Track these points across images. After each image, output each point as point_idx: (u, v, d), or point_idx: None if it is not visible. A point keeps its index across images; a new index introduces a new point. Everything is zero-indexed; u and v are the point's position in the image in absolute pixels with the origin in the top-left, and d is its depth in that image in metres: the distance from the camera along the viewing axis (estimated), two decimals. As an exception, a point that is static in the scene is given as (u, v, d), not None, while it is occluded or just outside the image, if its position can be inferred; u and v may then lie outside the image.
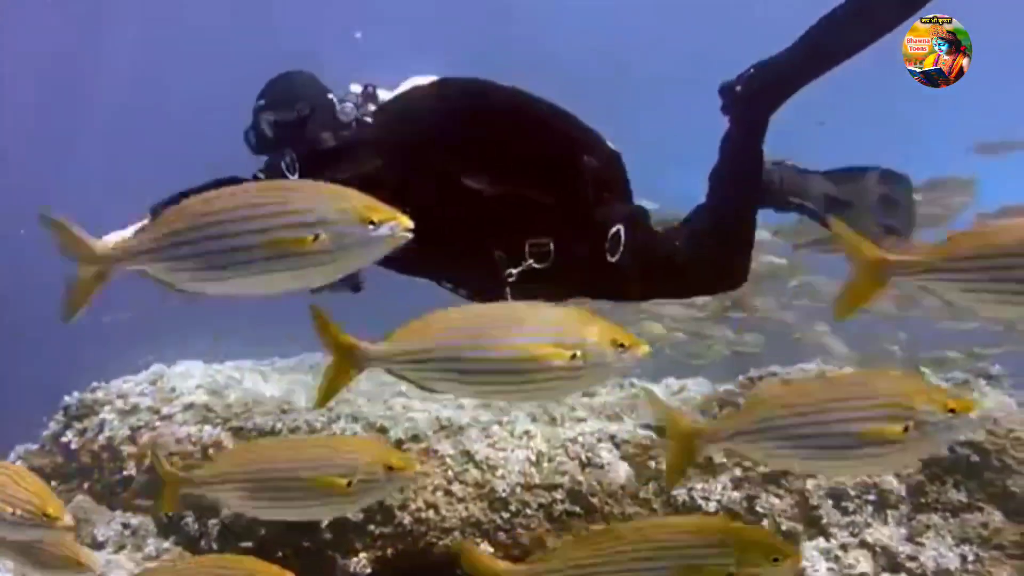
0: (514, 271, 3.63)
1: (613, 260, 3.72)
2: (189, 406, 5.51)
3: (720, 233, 3.85)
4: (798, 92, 3.62)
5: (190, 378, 5.93)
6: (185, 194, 3.55)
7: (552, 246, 3.66)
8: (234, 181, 3.61)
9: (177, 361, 6.32)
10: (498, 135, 3.55)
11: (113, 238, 3.20)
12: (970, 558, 4.41)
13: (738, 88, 3.75)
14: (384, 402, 5.81)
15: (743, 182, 3.86)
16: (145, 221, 3.30)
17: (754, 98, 3.73)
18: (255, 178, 3.57)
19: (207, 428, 5.30)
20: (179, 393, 5.64)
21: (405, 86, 3.70)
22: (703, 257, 3.83)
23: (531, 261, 3.62)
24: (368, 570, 4.71)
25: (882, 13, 3.39)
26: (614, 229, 3.66)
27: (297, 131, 3.55)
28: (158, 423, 5.38)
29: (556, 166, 3.64)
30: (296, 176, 3.45)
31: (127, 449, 5.32)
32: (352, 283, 3.65)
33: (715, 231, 3.85)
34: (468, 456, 5.05)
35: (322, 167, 3.36)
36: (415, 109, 3.60)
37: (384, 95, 3.68)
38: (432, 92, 3.64)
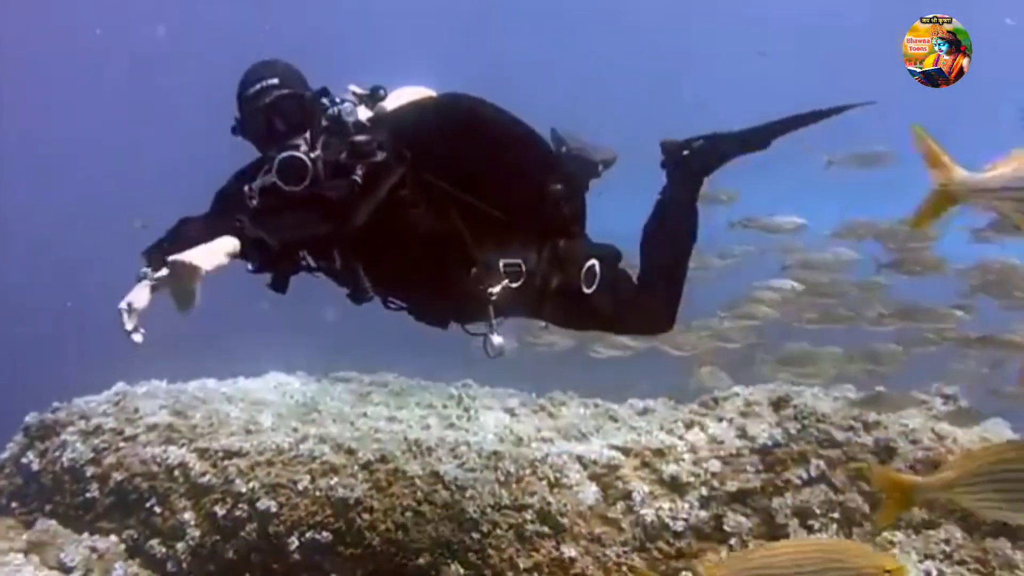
0: (494, 290, 3.72)
1: (589, 291, 3.91)
2: (153, 427, 5.44)
3: (670, 281, 4.32)
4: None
5: (154, 398, 5.86)
6: (185, 221, 3.56)
7: (524, 267, 3.77)
8: (222, 188, 3.66)
9: (140, 381, 6.25)
10: (484, 153, 3.66)
11: None
12: (934, 573, 4.50)
13: (686, 153, 4.34)
14: (351, 423, 5.80)
15: (686, 237, 4.37)
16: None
17: (702, 167, 4.37)
18: (241, 179, 3.54)
19: (172, 449, 5.24)
20: (143, 414, 5.57)
21: (397, 96, 3.76)
22: (656, 301, 4.30)
23: (506, 280, 3.73)
24: (337, 591, 4.69)
25: (809, 123, 4.15)
26: (589, 263, 3.88)
27: (313, 115, 3.51)
28: (122, 444, 5.31)
29: (538, 191, 3.75)
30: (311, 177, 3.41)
31: (91, 470, 5.25)
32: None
33: (665, 279, 4.31)
34: (437, 477, 5.05)
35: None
36: (419, 122, 3.67)
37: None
38: (431, 105, 3.77)
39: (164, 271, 3.00)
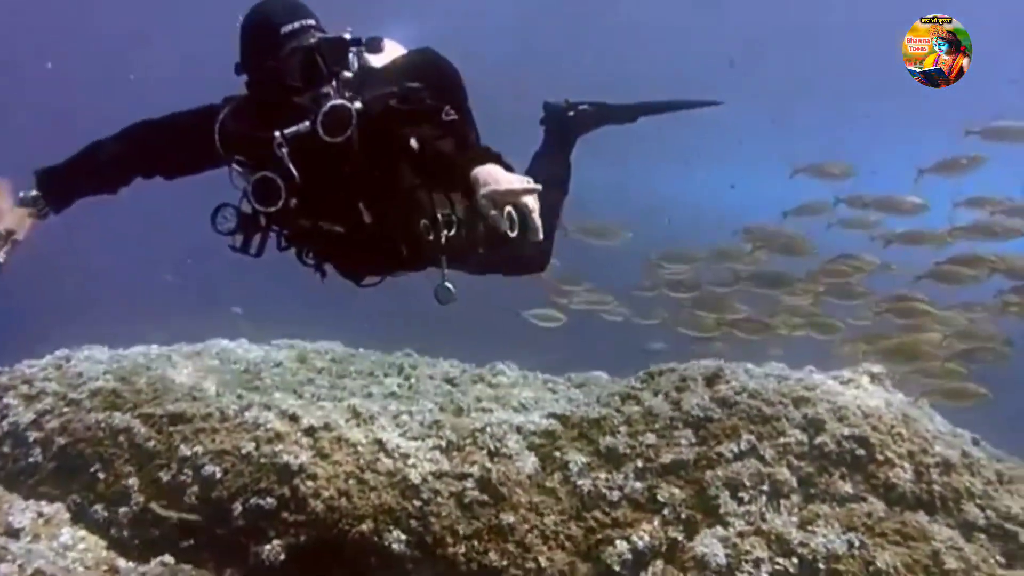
0: (444, 235, 3.81)
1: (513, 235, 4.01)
2: (97, 392, 5.46)
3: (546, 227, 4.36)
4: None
5: (97, 363, 5.86)
6: (98, 144, 3.56)
7: (454, 216, 3.87)
8: (146, 126, 3.65)
9: (83, 346, 6.24)
10: (449, 107, 3.70)
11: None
12: (856, 544, 4.70)
13: (571, 114, 5.12)
14: (294, 391, 5.87)
15: (558, 189, 4.85)
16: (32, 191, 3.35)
17: (579, 127, 5.14)
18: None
19: (116, 415, 5.26)
20: (87, 378, 5.57)
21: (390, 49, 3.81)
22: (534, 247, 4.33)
23: (446, 230, 3.83)
24: (281, 557, 4.77)
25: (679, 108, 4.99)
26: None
27: (346, 62, 3.48)
28: (66, 409, 5.31)
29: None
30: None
31: (33, 435, 5.25)
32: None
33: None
34: (380, 445, 5.15)
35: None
36: (439, 75, 3.81)
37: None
38: (432, 59, 3.88)
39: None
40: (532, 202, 2.94)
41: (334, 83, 3.42)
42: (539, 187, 2.95)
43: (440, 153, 3.38)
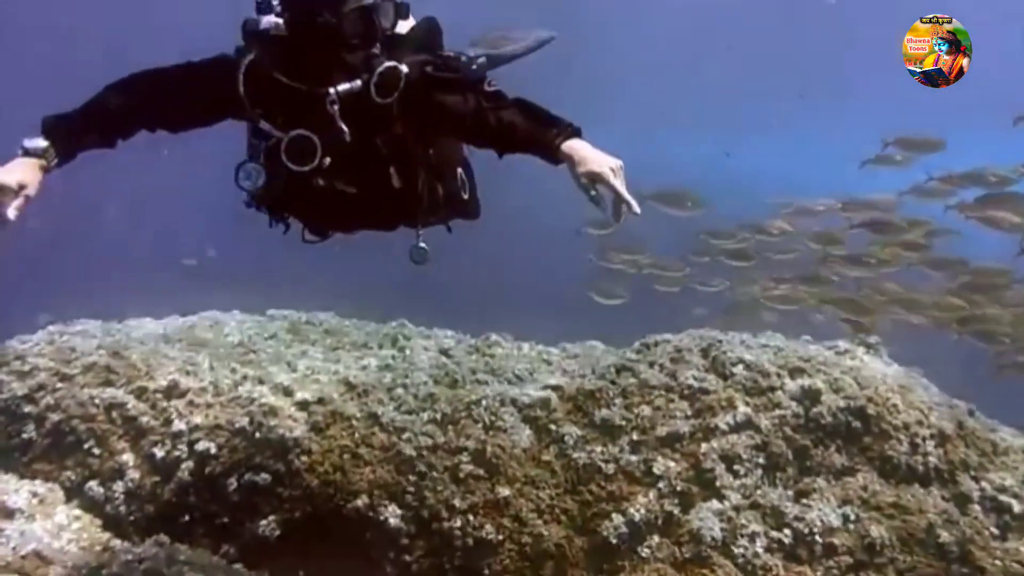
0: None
1: (466, 197, 4.09)
2: (91, 367, 5.40)
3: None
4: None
5: (90, 338, 5.82)
6: (105, 92, 3.48)
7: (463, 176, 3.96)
8: (155, 73, 3.57)
9: (75, 320, 6.20)
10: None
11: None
12: (851, 518, 4.71)
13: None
14: (288, 364, 5.85)
15: None
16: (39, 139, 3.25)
17: None
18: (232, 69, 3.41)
19: (110, 390, 5.23)
20: (80, 353, 5.51)
21: None
22: None
23: (464, 192, 4.10)
24: (277, 532, 4.78)
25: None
26: (459, 169, 4.12)
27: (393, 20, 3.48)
28: (59, 385, 5.27)
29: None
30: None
31: (27, 411, 5.20)
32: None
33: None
34: (375, 419, 5.14)
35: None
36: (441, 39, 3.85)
37: None
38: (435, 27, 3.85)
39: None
40: (622, 181, 3.09)
41: (377, 45, 3.43)
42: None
43: (514, 124, 3.43)
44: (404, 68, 3.39)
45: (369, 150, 3.52)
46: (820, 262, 9.64)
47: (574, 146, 3.22)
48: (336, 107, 3.35)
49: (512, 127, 3.41)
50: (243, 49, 3.51)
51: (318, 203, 3.68)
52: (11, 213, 2.96)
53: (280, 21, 3.39)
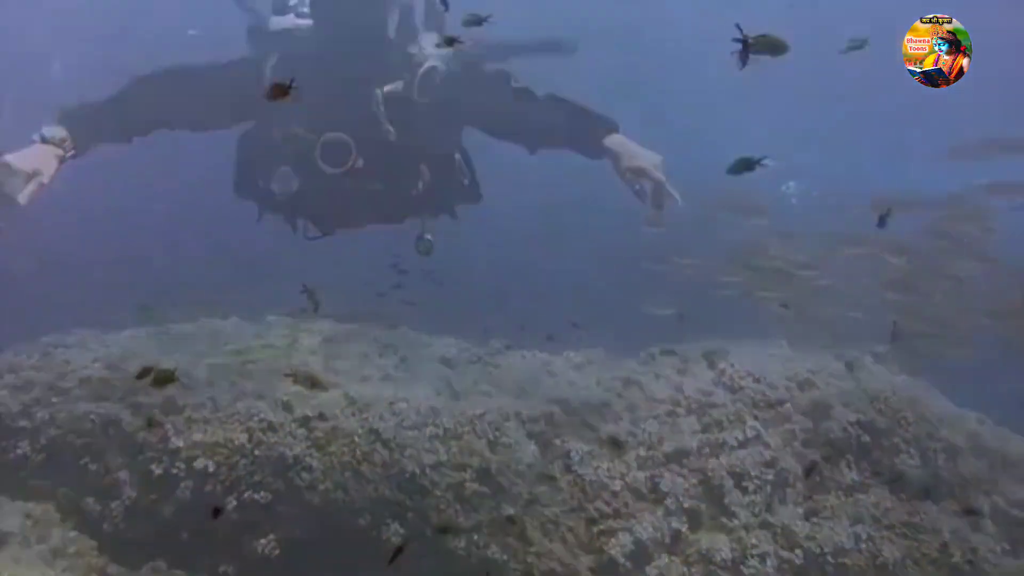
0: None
1: (466, 183, 4.07)
2: (86, 380, 5.31)
3: None
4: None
5: (86, 350, 5.71)
6: (128, 88, 3.41)
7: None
8: (183, 72, 3.50)
9: (71, 331, 6.09)
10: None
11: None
12: (863, 536, 4.63)
13: None
14: (287, 375, 5.74)
15: None
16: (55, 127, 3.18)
17: None
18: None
19: (106, 405, 5.13)
20: (75, 367, 5.41)
21: None
22: None
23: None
24: (277, 551, 4.68)
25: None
26: (457, 156, 4.09)
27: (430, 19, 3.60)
28: (54, 399, 5.17)
29: None
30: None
31: (21, 426, 5.10)
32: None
33: None
34: (376, 435, 5.04)
35: None
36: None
37: None
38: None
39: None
40: (664, 176, 3.20)
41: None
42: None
43: (554, 121, 3.51)
44: (442, 66, 3.42)
45: (403, 149, 3.51)
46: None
47: (616, 141, 3.31)
48: (382, 108, 3.33)
49: (552, 124, 3.48)
50: (259, 51, 3.48)
51: (337, 202, 3.66)
52: (22, 198, 2.91)
53: (302, 23, 3.38)
